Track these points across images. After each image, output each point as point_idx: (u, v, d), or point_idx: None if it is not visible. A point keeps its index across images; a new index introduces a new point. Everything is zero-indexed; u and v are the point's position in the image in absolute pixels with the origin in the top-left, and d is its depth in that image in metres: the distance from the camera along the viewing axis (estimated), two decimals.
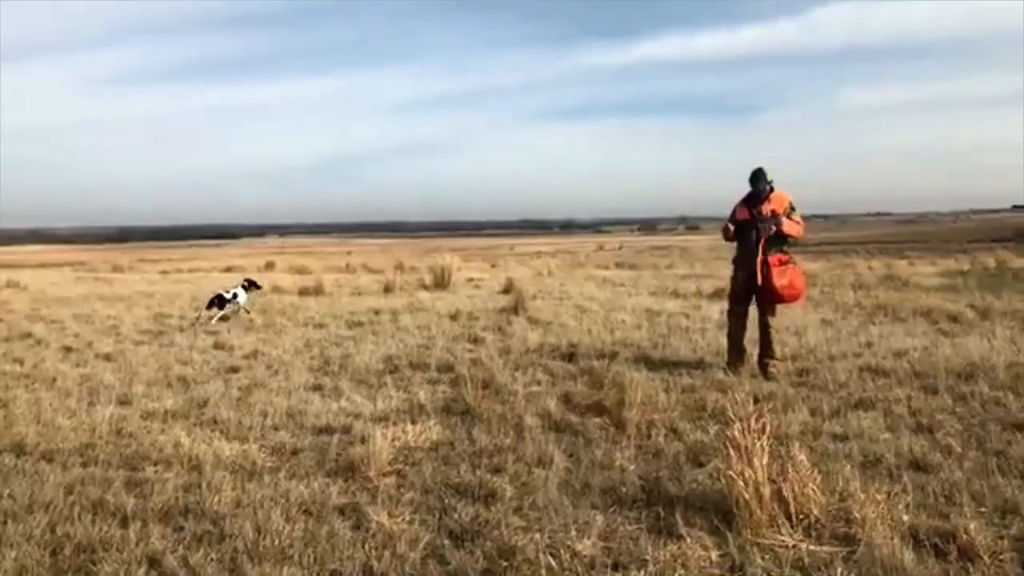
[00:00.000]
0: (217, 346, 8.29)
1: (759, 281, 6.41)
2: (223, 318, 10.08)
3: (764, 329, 6.53)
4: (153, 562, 3.14)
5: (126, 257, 39.33)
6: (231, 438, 4.85)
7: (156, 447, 4.63)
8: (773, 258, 6.42)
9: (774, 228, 6.38)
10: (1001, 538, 3.12)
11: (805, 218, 6.57)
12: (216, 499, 3.73)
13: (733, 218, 6.71)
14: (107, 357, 7.73)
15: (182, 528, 3.46)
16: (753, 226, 6.49)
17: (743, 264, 6.62)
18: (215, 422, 5.23)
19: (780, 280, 6.38)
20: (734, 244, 6.80)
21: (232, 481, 4.00)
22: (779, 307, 6.57)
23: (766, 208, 6.47)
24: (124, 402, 5.80)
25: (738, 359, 6.59)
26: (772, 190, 6.53)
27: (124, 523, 3.50)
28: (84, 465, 4.35)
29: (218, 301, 10.16)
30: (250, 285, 11.20)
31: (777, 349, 6.50)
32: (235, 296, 10.44)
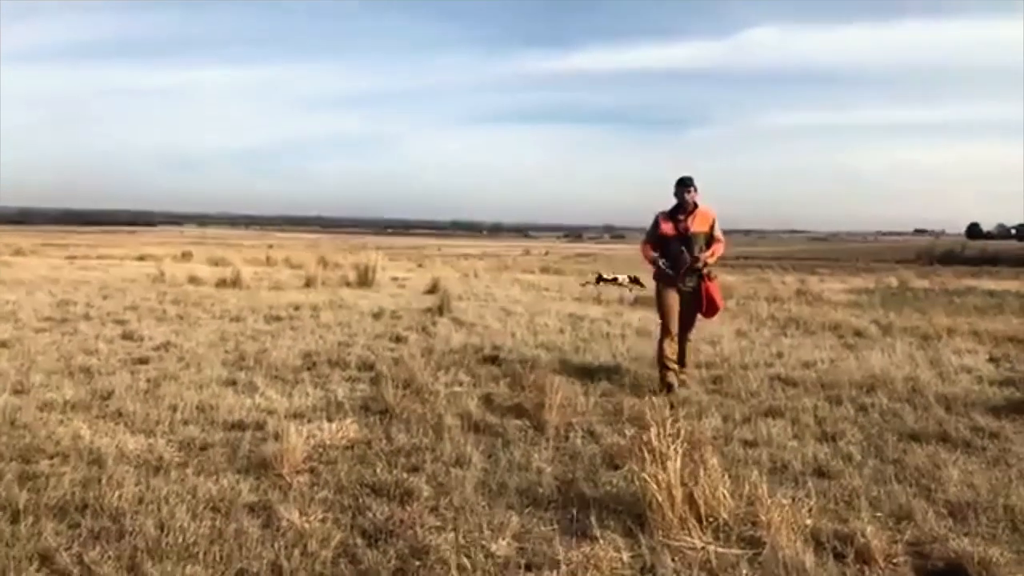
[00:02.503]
0: (126, 336, 7.93)
1: (703, 303, 6.21)
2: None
3: (684, 341, 6.38)
4: (45, 559, 2.97)
5: (28, 240, 37.23)
6: (136, 431, 4.64)
7: (53, 439, 4.39)
8: (709, 276, 6.22)
9: (699, 262, 6.09)
10: (896, 542, 3.27)
11: (726, 233, 6.46)
12: (117, 495, 3.55)
13: (655, 233, 6.28)
14: (3, 344, 7.28)
15: (78, 524, 3.29)
16: (681, 243, 6.11)
17: (672, 283, 6.21)
18: (120, 415, 4.99)
19: (719, 298, 6.30)
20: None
21: (135, 476, 3.82)
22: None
23: (692, 225, 6.13)
24: (20, 391, 5.47)
25: (667, 380, 6.14)
26: (696, 205, 6.19)
27: (15, 518, 3.29)
28: None
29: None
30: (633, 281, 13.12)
31: (691, 359, 6.59)
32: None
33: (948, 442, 4.82)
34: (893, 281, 22.11)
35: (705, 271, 6.19)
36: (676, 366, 6.18)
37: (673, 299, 6.23)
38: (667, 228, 6.21)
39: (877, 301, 14.71)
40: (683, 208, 6.19)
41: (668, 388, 6.03)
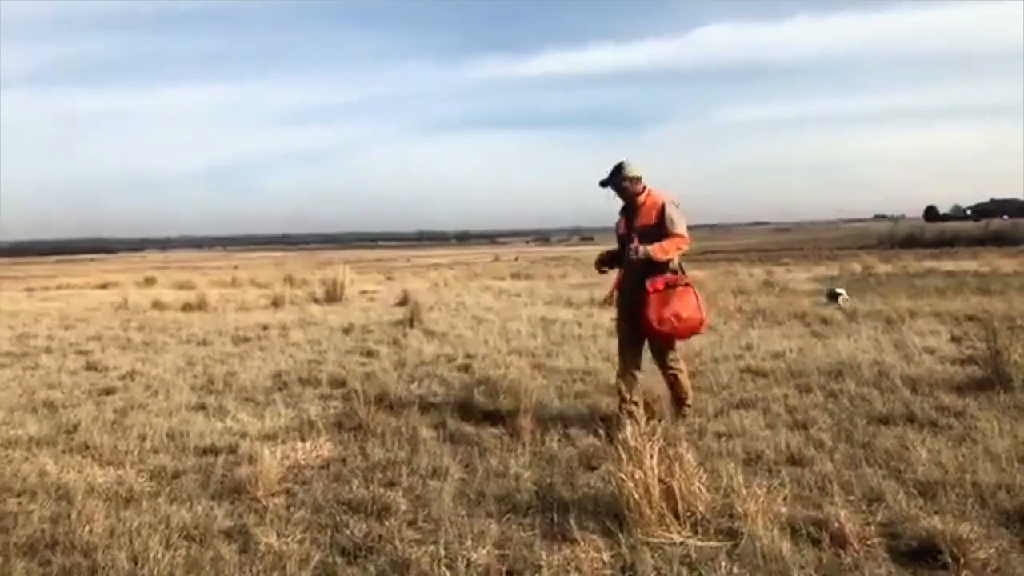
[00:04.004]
0: (89, 367, 7.78)
1: (642, 319, 4.92)
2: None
3: (664, 371, 5.14)
4: None
5: None
6: (105, 464, 4.55)
7: (19, 477, 4.28)
8: (653, 282, 4.89)
9: (641, 256, 4.87)
10: (868, 524, 3.33)
11: (689, 228, 5.10)
12: (87, 529, 3.48)
13: (617, 233, 5.23)
14: None
15: (49, 562, 3.21)
16: (627, 243, 5.02)
17: (626, 290, 5.13)
18: (87, 447, 4.88)
19: (660, 311, 4.87)
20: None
21: (105, 509, 3.74)
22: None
23: (638, 219, 5.03)
24: None
25: (629, 415, 4.77)
26: (645, 190, 5.04)
27: None
28: None
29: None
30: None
31: (688, 390, 5.23)
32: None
33: (915, 423, 4.92)
34: (856, 267, 22.54)
35: (653, 274, 4.91)
36: (637, 406, 4.94)
37: (620, 313, 5.17)
38: (620, 226, 5.19)
39: (842, 288, 14.97)
40: (627, 201, 5.11)
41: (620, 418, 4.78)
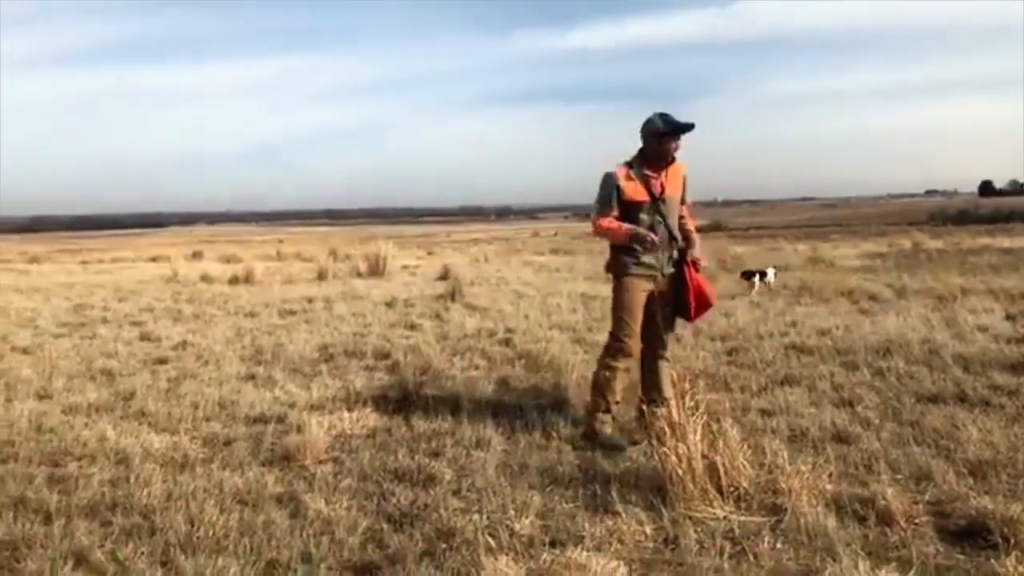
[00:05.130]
0: (143, 337, 8.03)
1: (688, 300, 4.33)
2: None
3: (659, 365, 4.49)
4: (80, 558, 3.03)
5: (43, 247, 37.55)
6: (160, 430, 4.71)
7: (79, 442, 4.46)
8: (694, 256, 4.41)
9: (678, 243, 4.35)
10: (916, 503, 3.29)
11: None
12: (145, 492, 3.62)
13: (611, 197, 4.29)
14: (24, 350, 7.38)
15: (110, 523, 3.35)
16: (654, 211, 4.28)
17: (645, 273, 4.33)
18: (143, 414, 5.06)
19: (709, 287, 4.45)
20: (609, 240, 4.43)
21: (162, 474, 3.88)
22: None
23: (667, 185, 4.31)
24: (44, 396, 5.56)
25: (597, 422, 4.35)
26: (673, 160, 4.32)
27: (48, 520, 3.36)
28: (3, 462, 4.15)
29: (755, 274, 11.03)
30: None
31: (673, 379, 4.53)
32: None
33: (966, 402, 4.82)
34: (906, 243, 21.97)
35: (689, 255, 4.39)
36: (617, 402, 4.41)
37: (640, 297, 4.35)
38: (632, 190, 4.28)
39: (891, 265, 14.64)
40: (660, 160, 4.30)
41: (591, 437, 4.30)
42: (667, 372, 4.50)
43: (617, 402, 4.42)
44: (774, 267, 11.71)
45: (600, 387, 4.41)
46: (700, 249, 4.48)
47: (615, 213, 4.32)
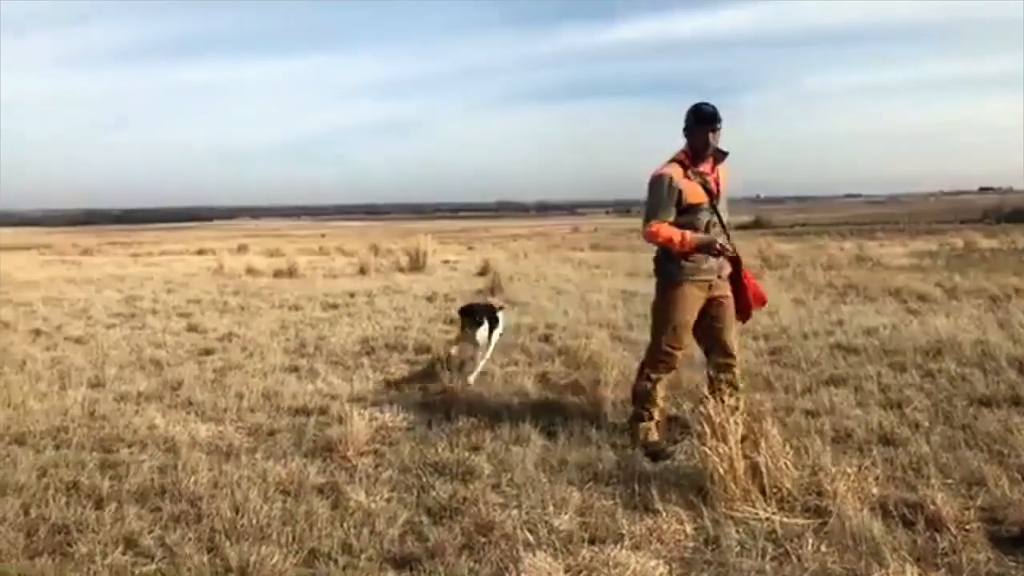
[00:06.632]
0: (191, 328, 8.21)
1: (746, 298, 4.24)
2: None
3: (732, 366, 4.28)
4: (130, 542, 3.12)
5: (94, 240, 38.60)
6: (206, 419, 4.82)
7: (130, 429, 4.59)
8: (737, 255, 4.19)
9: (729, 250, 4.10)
10: (968, 508, 3.20)
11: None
12: (192, 480, 3.71)
13: (672, 200, 4.01)
14: (78, 340, 7.61)
15: (159, 509, 3.44)
16: (712, 212, 4.10)
17: (702, 277, 4.13)
18: (190, 404, 5.19)
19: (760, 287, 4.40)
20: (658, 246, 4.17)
21: (208, 462, 3.97)
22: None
23: (722, 181, 4.16)
24: (96, 385, 5.72)
25: (649, 434, 4.20)
26: (726, 154, 4.17)
27: (99, 505, 3.47)
28: (57, 448, 4.30)
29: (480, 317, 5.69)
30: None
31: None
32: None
33: (1021, 405, 4.68)
34: (958, 242, 21.35)
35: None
36: (661, 408, 4.29)
37: (695, 305, 4.15)
38: (691, 191, 4.04)
39: (941, 264, 14.26)
40: (705, 155, 4.10)
41: (655, 454, 4.00)
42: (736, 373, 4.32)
43: (661, 408, 4.32)
44: (502, 304, 7.40)
45: (641, 398, 4.29)
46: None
47: (671, 218, 4.07)
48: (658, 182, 4.08)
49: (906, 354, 6.07)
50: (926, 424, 4.38)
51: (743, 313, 4.31)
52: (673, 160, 4.13)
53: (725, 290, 4.22)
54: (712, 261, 4.11)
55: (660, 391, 4.29)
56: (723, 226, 4.17)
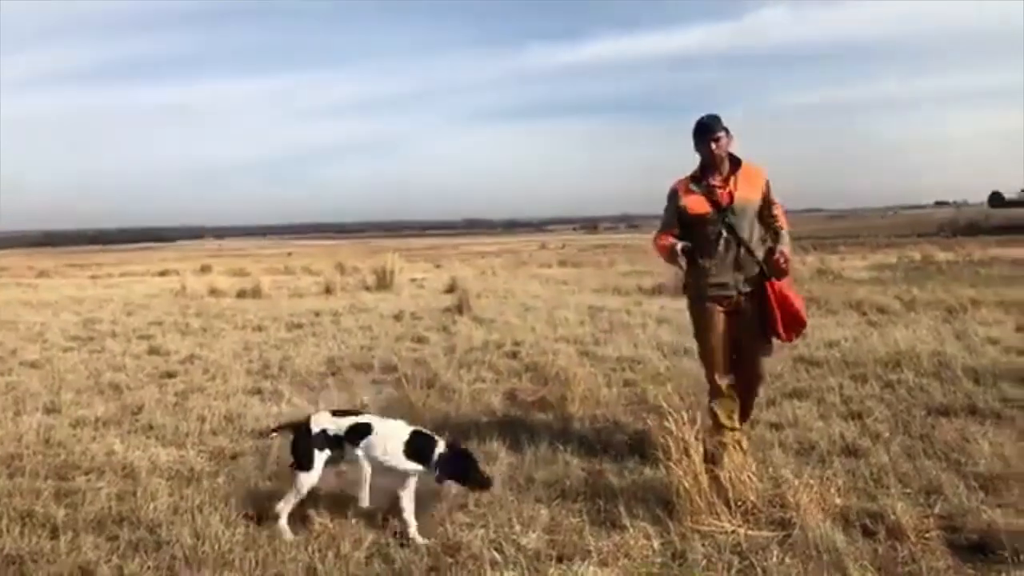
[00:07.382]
0: (152, 351, 8.05)
1: (774, 318, 3.91)
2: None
3: (751, 396, 4.21)
4: (86, 572, 3.04)
5: (52, 261, 37.80)
6: (167, 444, 4.73)
7: (87, 456, 4.48)
8: (780, 274, 3.96)
9: (775, 257, 3.91)
10: (927, 517, 3.26)
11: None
12: (152, 506, 3.63)
13: (682, 214, 4.01)
14: (33, 364, 7.41)
15: (116, 537, 3.36)
16: (721, 223, 3.92)
17: (716, 295, 3.98)
18: (150, 428, 5.08)
19: (800, 303, 4.00)
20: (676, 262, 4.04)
21: (168, 487, 3.89)
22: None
23: (736, 191, 3.94)
24: (52, 410, 5.58)
25: (737, 444, 3.93)
26: (738, 161, 4.02)
27: (54, 534, 3.37)
28: (10, 476, 4.17)
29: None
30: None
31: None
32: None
33: (977, 415, 4.79)
34: (916, 255, 21.85)
35: (777, 250, 3.95)
36: (734, 433, 3.98)
37: (717, 322, 4.01)
38: (694, 203, 3.99)
39: (900, 276, 14.57)
40: (713, 167, 4.00)
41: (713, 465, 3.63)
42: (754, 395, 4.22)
43: (731, 433, 3.97)
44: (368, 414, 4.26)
45: (710, 432, 3.93)
46: (788, 244, 4.00)
47: (676, 230, 4.05)
48: (668, 197, 4.14)
49: (867, 366, 6.18)
50: (886, 435, 4.46)
51: (774, 331, 3.98)
52: (690, 175, 4.09)
53: (748, 306, 3.99)
54: (725, 275, 3.95)
55: (720, 409, 3.99)
56: (736, 237, 3.93)
